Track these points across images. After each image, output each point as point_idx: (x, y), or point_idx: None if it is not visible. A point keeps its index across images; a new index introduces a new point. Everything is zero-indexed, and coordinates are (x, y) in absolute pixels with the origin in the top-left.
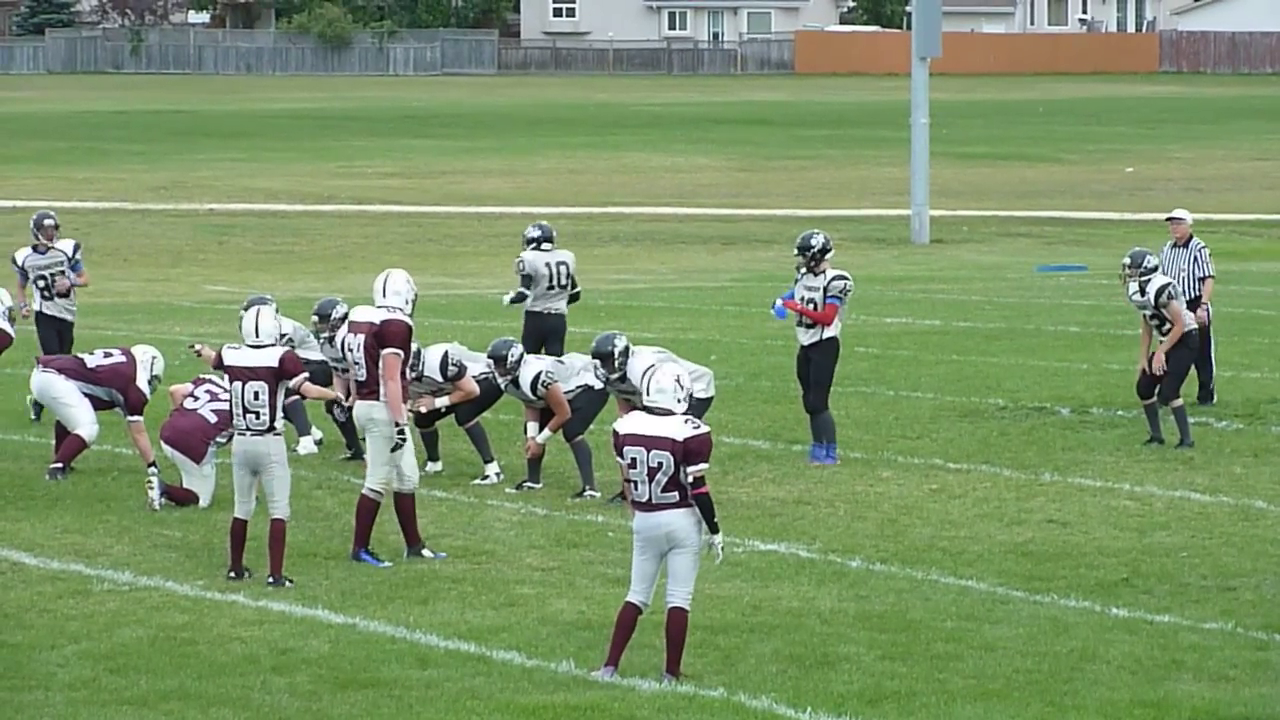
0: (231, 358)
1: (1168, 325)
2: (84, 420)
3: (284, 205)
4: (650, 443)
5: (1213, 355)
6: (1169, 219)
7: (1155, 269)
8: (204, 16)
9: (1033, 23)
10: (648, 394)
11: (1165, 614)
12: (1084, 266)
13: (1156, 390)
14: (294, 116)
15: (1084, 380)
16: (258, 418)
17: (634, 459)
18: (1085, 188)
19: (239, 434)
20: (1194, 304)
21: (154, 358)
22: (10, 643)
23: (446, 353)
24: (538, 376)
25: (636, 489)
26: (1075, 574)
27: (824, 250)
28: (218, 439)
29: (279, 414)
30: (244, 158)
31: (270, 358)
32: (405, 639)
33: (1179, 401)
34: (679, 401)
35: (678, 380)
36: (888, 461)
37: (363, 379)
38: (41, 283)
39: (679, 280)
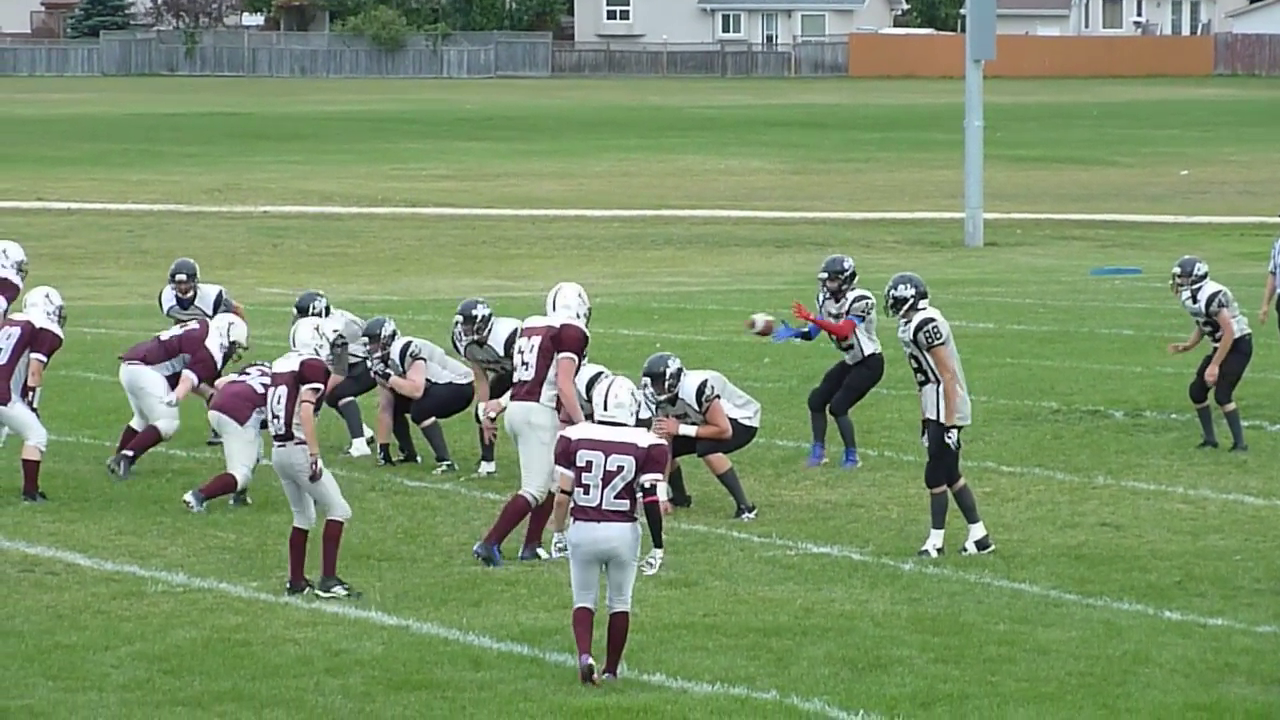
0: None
1: (1220, 332)
2: (164, 414)
3: (338, 208)
4: (610, 447)
5: None
6: None
7: (1205, 276)
8: (258, 18)
9: (1087, 25)
10: (605, 407)
11: (1218, 617)
12: (1138, 269)
13: (1210, 394)
14: (348, 119)
15: (1138, 383)
16: (278, 422)
17: (589, 462)
18: (1140, 190)
19: (275, 443)
20: None
21: (230, 324)
22: (65, 644)
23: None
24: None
25: (586, 494)
26: (1128, 577)
27: (852, 275)
28: (261, 408)
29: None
30: (298, 160)
31: (293, 364)
32: (458, 641)
33: (1232, 405)
34: (632, 416)
35: (633, 394)
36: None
37: (528, 379)
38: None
39: (732, 283)
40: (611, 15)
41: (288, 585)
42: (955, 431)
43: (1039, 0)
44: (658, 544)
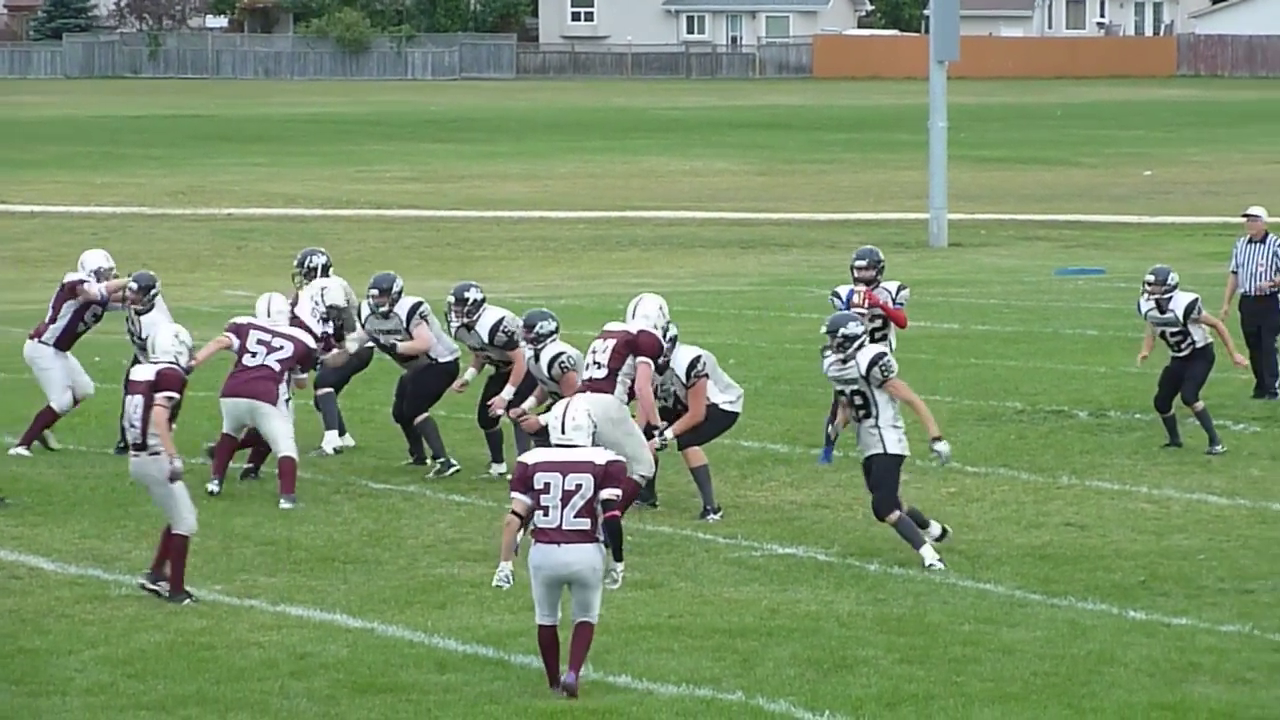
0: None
1: (1187, 342)
2: (282, 434)
3: (302, 210)
4: (567, 467)
5: (1277, 349)
6: (1245, 215)
7: (1176, 286)
8: (222, 21)
9: (1050, 26)
10: (563, 430)
11: (1183, 616)
12: (1102, 270)
13: (1176, 400)
14: (312, 121)
15: (1102, 383)
16: (135, 431)
17: (547, 484)
18: (1103, 191)
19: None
20: (1272, 301)
21: (323, 289)
22: (28, 648)
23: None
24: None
25: (546, 515)
26: (1093, 577)
27: (883, 267)
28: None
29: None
30: (262, 162)
31: (149, 373)
32: (424, 643)
33: (1201, 404)
34: (589, 437)
35: (589, 415)
36: (906, 465)
37: (600, 376)
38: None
39: (697, 284)
40: (576, 17)
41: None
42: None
43: (1002, 1)
44: (618, 558)
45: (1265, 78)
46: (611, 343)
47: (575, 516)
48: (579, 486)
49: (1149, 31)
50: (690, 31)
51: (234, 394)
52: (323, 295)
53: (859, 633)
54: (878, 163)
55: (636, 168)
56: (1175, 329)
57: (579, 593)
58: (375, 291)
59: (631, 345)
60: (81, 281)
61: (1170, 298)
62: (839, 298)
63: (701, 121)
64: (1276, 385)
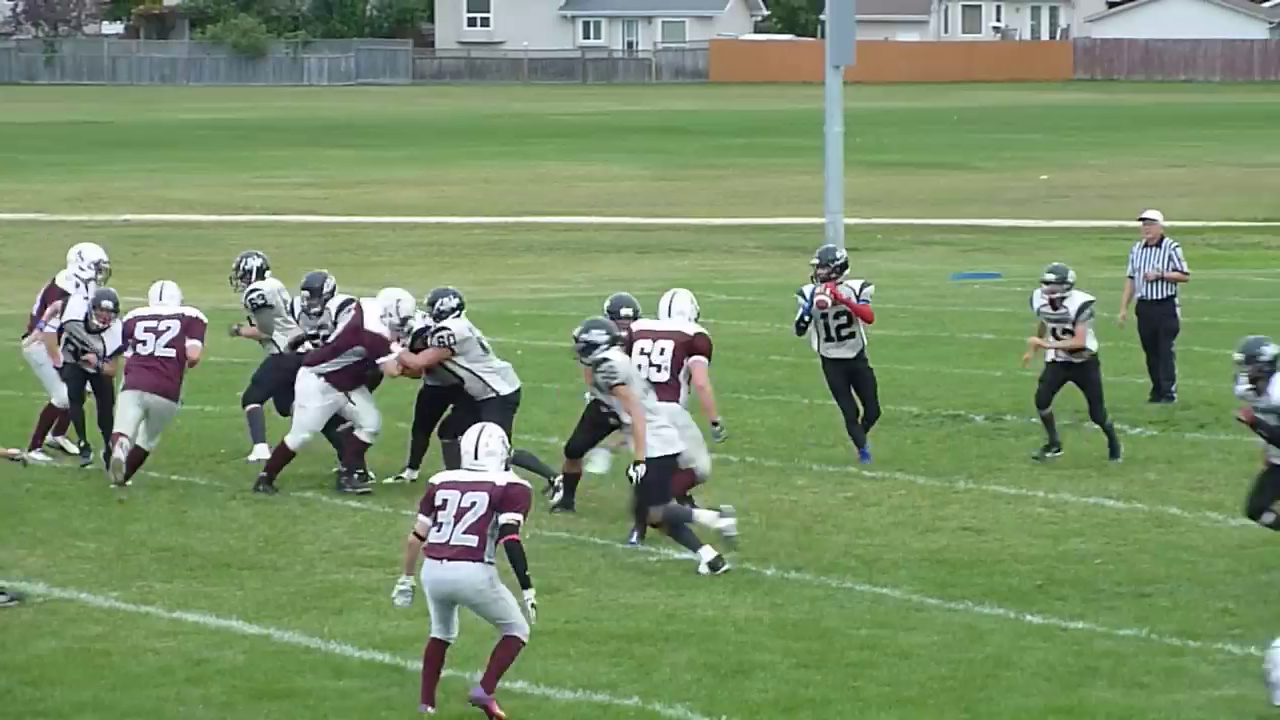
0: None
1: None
2: (368, 421)
3: (199, 215)
4: (466, 486)
5: (1174, 354)
6: (1141, 219)
7: (1073, 285)
8: (118, 27)
9: (947, 31)
10: (475, 455)
11: (1079, 621)
12: (998, 274)
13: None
14: (209, 127)
15: (998, 388)
16: None
17: (445, 500)
18: (1000, 195)
19: None
20: (1169, 305)
21: (398, 300)
22: None
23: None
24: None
25: (439, 531)
26: (990, 581)
27: (844, 265)
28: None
29: None
30: (159, 168)
31: None
32: (320, 649)
33: (1109, 420)
34: (503, 464)
35: (503, 441)
36: (803, 470)
37: (663, 380)
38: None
39: (594, 289)
40: (472, 22)
41: None
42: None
43: (899, 6)
44: (525, 585)
45: (1161, 81)
46: (667, 344)
47: (464, 533)
48: (473, 504)
49: (1045, 36)
50: (587, 37)
51: (133, 387)
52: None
53: (756, 638)
54: (774, 168)
55: (532, 173)
56: (1067, 326)
57: (476, 611)
58: (307, 291)
59: (689, 347)
60: (66, 295)
61: (1066, 296)
62: (803, 296)
63: (598, 127)
64: (1173, 389)
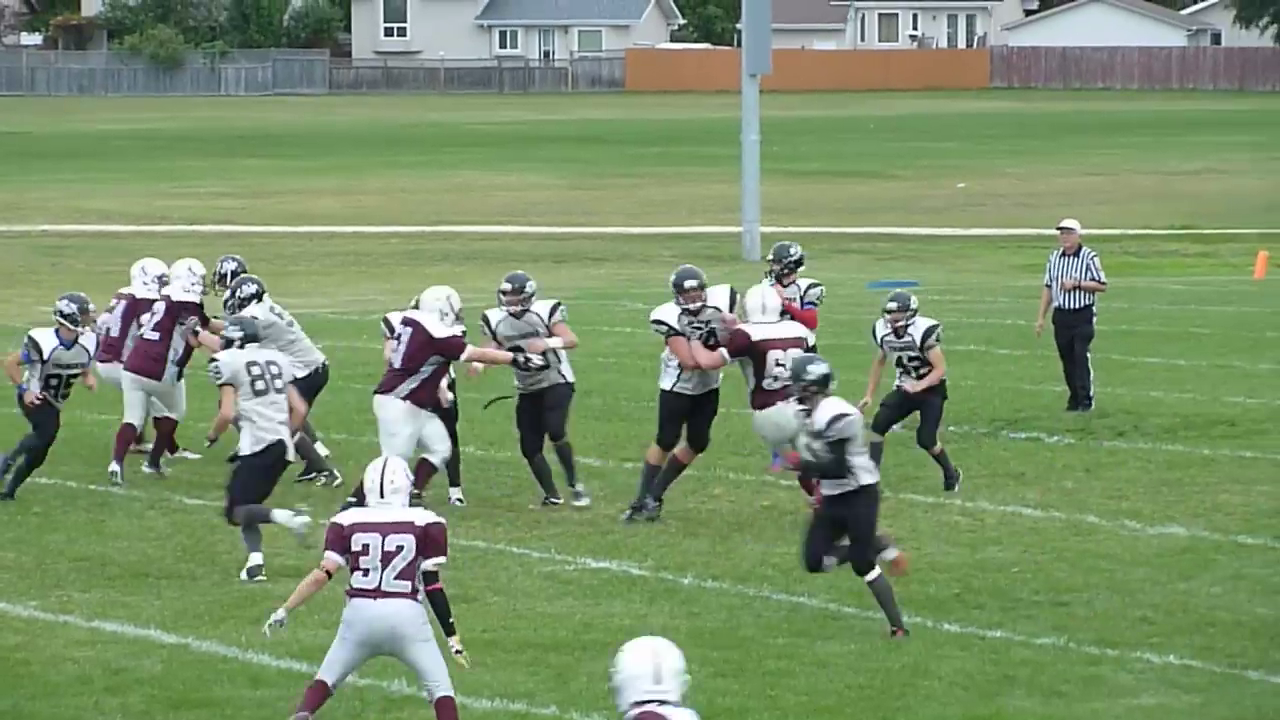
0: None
1: (926, 369)
2: (440, 446)
3: (117, 226)
4: (387, 528)
5: (1089, 359)
6: (1059, 228)
7: (916, 310)
8: (36, 38)
9: (863, 39)
10: (381, 494)
11: (997, 629)
12: (916, 282)
13: (901, 428)
14: (127, 137)
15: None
16: None
17: (366, 545)
18: (917, 204)
19: None
20: (1086, 313)
21: (448, 297)
22: None
23: None
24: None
25: (365, 576)
26: (907, 590)
27: (798, 262)
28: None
29: None
30: (77, 179)
31: None
32: (238, 659)
33: (939, 447)
34: (407, 497)
35: (407, 475)
36: (719, 479)
37: (775, 389)
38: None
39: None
40: (389, 32)
41: None
42: None
43: (815, 15)
44: (450, 632)
45: (1079, 89)
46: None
47: (396, 578)
48: (400, 548)
49: (962, 44)
50: (503, 46)
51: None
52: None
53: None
54: (691, 176)
55: (449, 182)
56: (913, 354)
57: (408, 656)
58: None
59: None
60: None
61: (910, 323)
62: None
63: (514, 136)
64: (1090, 397)
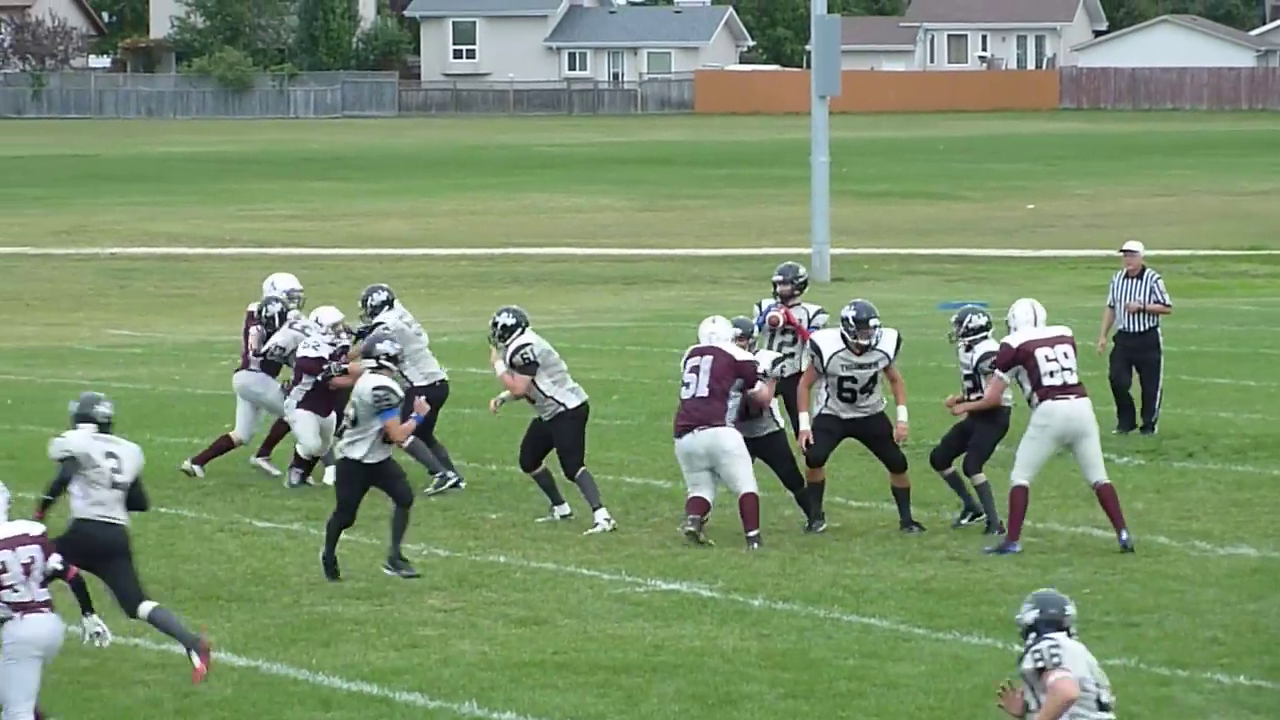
0: None
1: (979, 393)
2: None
3: (185, 249)
4: (12, 542)
5: (1159, 389)
6: (1123, 250)
7: (983, 329)
8: (105, 61)
9: (932, 61)
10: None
11: None
12: (985, 304)
13: (958, 460)
14: (195, 160)
15: None
16: None
17: (3, 563)
18: (986, 225)
19: None
20: (1151, 336)
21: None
22: None
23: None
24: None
25: (15, 593)
26: (977, 611)
27: (805, 283)
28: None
29: None
30: (145, 201)
31: None
32: (308, 681)
33: (983, 477)
34: (5, 515)
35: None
36: (789, 500)
37: (1056, 384)
38: None
39: (580, 320)
40: (458, 54)
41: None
42: None
43: (884, 36)
44: (88, 609)
45: (1148, 110)
46: (1069, 348)
47: (40, 587)
48: (32, 559)
49: (1031, 65)
50: (572, 68)
51: None
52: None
53: (743, 668)
54: (760, 198)
55: (518, 204)
56: (968, 373)
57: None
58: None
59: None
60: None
61: (979, 340)
62: (759, 307)
63: (584, 158)
64: (1154, 423)
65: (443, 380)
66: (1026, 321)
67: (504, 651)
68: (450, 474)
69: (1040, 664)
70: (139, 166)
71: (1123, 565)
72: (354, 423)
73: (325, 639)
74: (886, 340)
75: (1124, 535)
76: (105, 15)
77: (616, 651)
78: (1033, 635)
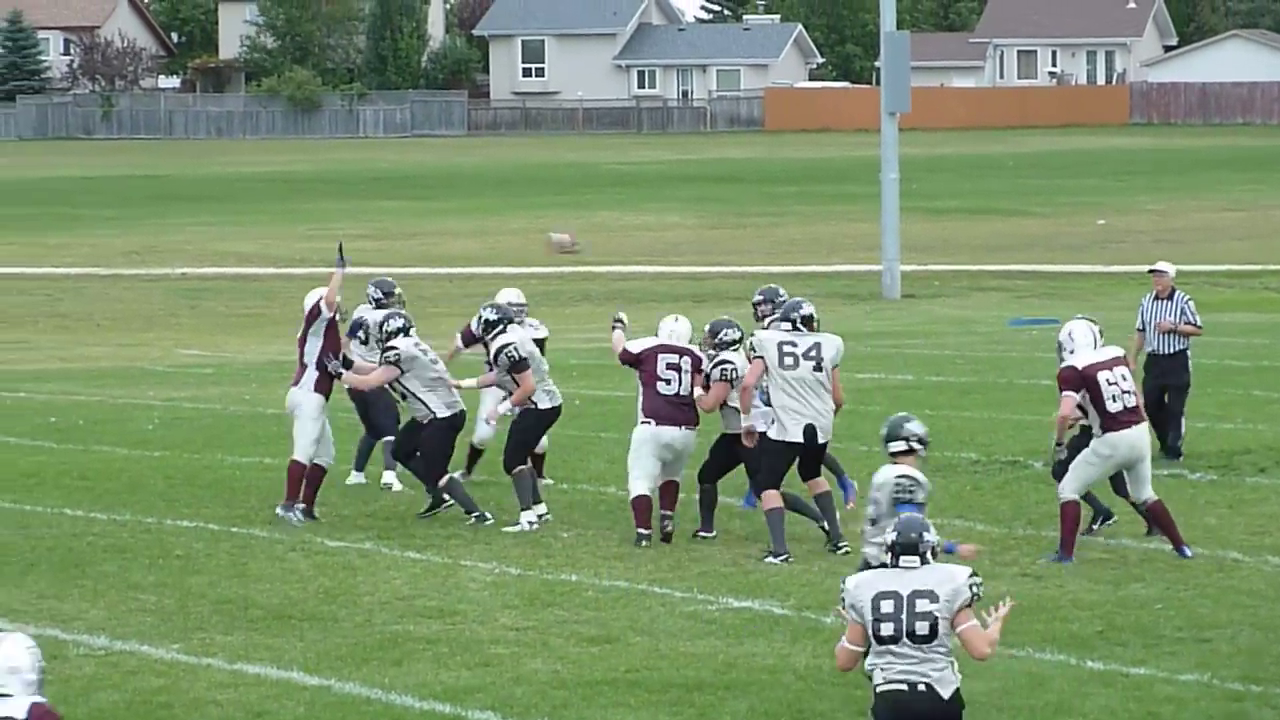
0: None
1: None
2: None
3: (255, 268)
4: None
5: (1184, 413)
6: (1151, 271)
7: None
8: (174, 81)
9: (1002, 76)
10: None
11: (1141, 666)
12: (1056, 319)
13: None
14: (264, 180)
15: None
16: None
17: None
18: (1056, 240)
19: None
20: (1181, 358)
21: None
22: None
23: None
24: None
25: None
26: (1050, 627)
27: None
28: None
29: None
30: (215, 221)
31: None
32: (381, 700)
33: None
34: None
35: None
36: (863, 518)
37: (1117, 410)
38: None
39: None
40: (527, 73)
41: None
42: None
43: (953, 52)
44: None
45: (1218, 125)
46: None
47: None
48: None
49: (1101, 80)
50: (641, 86)
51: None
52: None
53: (816, 686)
54: (830, 215)
55: (588, 222)
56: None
57: None
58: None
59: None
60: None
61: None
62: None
63: (653, 176)
64: (1180, 444)
65: (461, 411)
66: (1086, 344)
67: (576, 670)
68: (481, 514)
69: None
70: (208, 186)
71: (1195, 580)
72: None
73: (397, 658)
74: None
75: (1184, 549)
76: (174, 36)
77: (688, 669)
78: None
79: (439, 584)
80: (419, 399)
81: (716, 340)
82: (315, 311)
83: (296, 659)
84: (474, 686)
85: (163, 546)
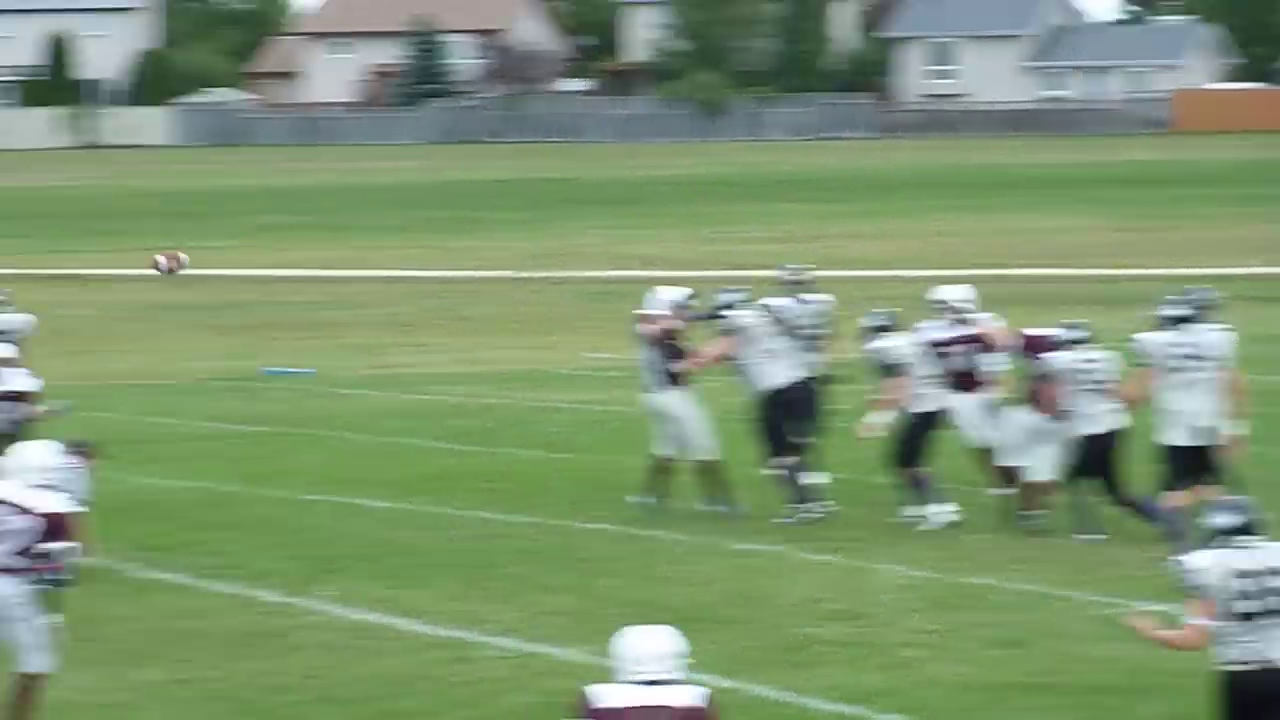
0: None
1: None
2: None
3: (660, 272)
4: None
5: None
6: None
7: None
8: (578, 84)
9: None
10: None
11: None
12: None
13: None
14: (668, 182)
15: None
16: None
17: None
18: None
19: None
20: None
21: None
22: (397, 710)
23: None
24: None
25: None
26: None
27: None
28: None
29: None
30: (618, 225)
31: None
32: (793, 703)
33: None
34: None
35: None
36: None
37: None
38: None
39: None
40: (935, 75)
41: None
42: None
43: None
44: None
45: None
46: None
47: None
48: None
49: None
50: (1050, 88)
51: None
52: None
53: None
54: (1242, 217)
55: (994, 225)
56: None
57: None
58: None
59: None
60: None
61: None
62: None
63: (1061, 178)
64: None
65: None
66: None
67: (984, 673)
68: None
69: None
70: (615, 190)
71: None
72: None
73: (807, 660)
74: None
75: None
76: (579, 38)
77: (1098, 673)
78: None
79: (850, 587)
80: None
81: None
82: None
83: (705, 662)
84: (884, 689)
85: (571, 549)
